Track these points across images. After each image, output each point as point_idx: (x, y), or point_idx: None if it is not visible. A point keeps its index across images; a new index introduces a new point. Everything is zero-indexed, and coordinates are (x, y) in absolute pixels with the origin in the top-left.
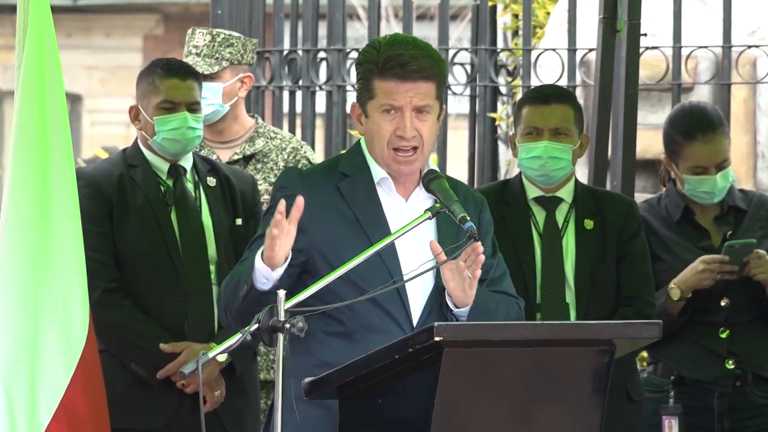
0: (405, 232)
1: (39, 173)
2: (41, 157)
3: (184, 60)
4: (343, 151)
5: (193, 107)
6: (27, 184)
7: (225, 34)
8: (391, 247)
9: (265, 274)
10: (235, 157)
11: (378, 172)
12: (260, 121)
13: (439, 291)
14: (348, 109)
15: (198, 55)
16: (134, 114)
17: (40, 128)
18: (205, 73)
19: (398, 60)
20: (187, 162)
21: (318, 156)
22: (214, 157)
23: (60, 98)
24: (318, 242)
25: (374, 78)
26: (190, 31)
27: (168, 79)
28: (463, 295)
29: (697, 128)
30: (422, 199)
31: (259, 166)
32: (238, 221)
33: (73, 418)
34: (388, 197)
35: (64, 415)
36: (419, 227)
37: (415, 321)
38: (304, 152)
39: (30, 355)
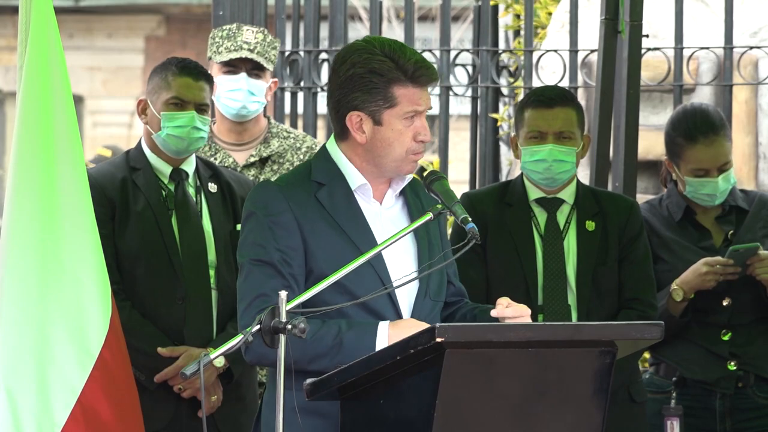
0: (407, 233)
1: (43, 173)
2: (45, 157)
3: (233, 54)
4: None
5: (202, 108)
6: (30, 185)
7: (270, 36)
8: (378, 253)
9: None
10: (252, 160)
11: (355, 179)
12: (272, 121)
13: (423, 295)
14: None
15: (251, 51)
16: (142, 107)
17: (43, 128)
18: (266, 67)
19: (424, 65)
20: (189, 166)
21: None
22: (230, 161)
23: (66, 97)
24: (311, 256)
25: (396, 86)
26: (234, 26)
27: (181, 77)
28: None
29: (699, 131)
30: (394, 201)
31: (275, 167)
32: (239, 227)
33: (92, 418)
34: (365, 203)
35: (81, 415)
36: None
37: None
38: None
39: (37, 355)
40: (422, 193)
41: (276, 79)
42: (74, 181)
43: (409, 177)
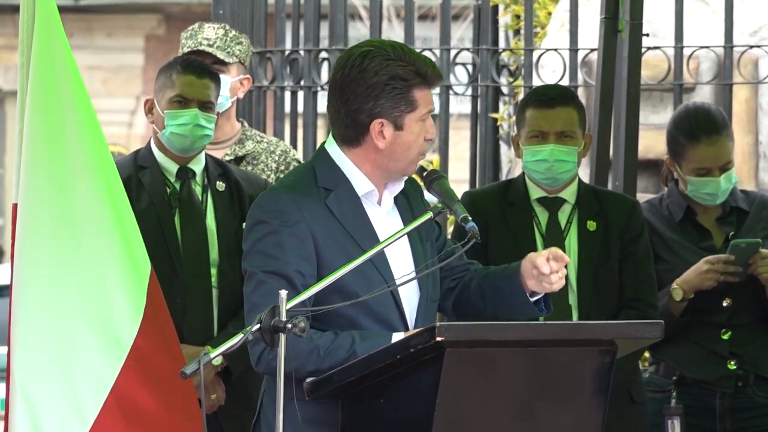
0: (407, 232)
1: (56, 171)
2: (56, 153)
3: (192, 49)
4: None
5: (206, 106)
6: (43, 183)
7: (234, 31)
8: (382, 255)
9: None
10: (227, 158)
11: (362, 186)
12: (246, 125)
13: (426, 299)
14: None
15: (211, 46)
16: (149, 107)
17: (53, 124)
18: (226, 61)
19: (434, 65)
20: (197, 165)
21: None
22: None
23: (78, 91)
24: (323, 264)
25: (414, 89)
26: (196, 26)
27: (184, 75)
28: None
29: (702, 130)
30: (391, 203)
31: (249, 168)
32: (245, 225)
33: (130, 408)
34: (370, 208)
35: (117, 406)
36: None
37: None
38: (293, 155)
39: (61, 352)
40: (410, 193)
41: (248, 76)
42: (96, 173)
43: (404, 178)
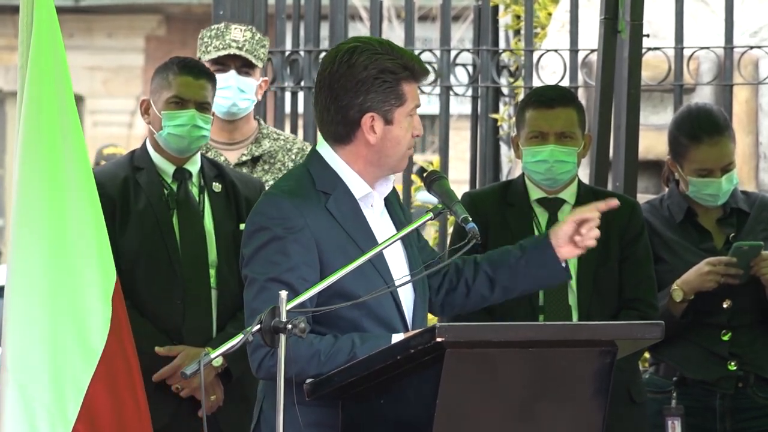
0: (408, 232)
1: (49, 172)
2: (51, 156)
3: (222, 52)
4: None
5: (203, 107)
6: (37, 183)
7: (259, 34)
8: (381, 258)
9: None
10: (244, 158)
11: (359, 188)
12: (262, 122)
13: (422, 300)
14: None
15: (240, 49)
16: (145, 107)
17: (48, 127)
18: (255, 64)
19: (421, 60)
20: (193, 166)
21: None
22: (221, 159)
23: (68, 97)
24: (326, 269)
25: (404, 83)
26: (221, 26)
27: (181, 76)
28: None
29: (704, 131)
30: (382, 205)
31: (266, 167)
32: (242, 226)
33: (96, 416)
34: (366, 210)
35: (86, 415)
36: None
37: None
38: None
39: (49, 351)
40: (392, 196)
41: (267, 78)
42: (79, 178)
43: (393, 178)
